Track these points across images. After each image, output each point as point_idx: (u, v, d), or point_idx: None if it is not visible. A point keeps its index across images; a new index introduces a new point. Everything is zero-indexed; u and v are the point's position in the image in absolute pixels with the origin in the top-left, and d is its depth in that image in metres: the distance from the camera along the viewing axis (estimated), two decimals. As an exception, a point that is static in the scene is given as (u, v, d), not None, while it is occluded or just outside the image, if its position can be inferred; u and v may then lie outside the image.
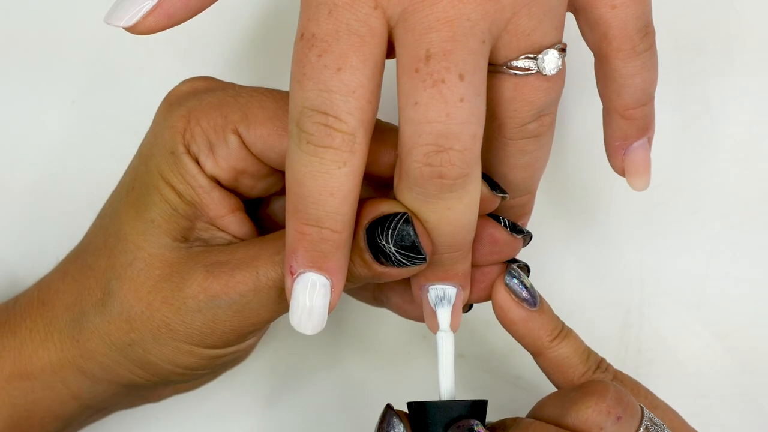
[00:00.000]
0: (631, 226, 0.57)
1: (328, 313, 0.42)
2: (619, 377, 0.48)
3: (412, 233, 0.41)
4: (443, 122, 0.39)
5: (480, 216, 0.43)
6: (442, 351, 0.45)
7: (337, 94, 0.40)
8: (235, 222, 0.46)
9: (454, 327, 0.45)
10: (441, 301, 0.45)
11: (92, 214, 0.50)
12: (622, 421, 0.43)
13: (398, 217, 0.42)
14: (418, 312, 0.47)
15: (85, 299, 0.47)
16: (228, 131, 0.45)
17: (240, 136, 0.45)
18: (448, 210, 0.41)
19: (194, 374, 0.47)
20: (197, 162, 0.45)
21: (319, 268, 0.41)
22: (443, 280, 0.44)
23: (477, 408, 0.44)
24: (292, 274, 0.41)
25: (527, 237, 0.46)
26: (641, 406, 0.45)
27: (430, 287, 0.45)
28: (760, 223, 0.57)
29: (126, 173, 0.48)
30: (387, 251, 0.42)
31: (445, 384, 0.45)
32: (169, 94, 0.47)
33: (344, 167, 0.40)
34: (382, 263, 0.42)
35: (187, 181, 0.45)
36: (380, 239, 0.42)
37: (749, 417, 0.56)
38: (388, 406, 0.45)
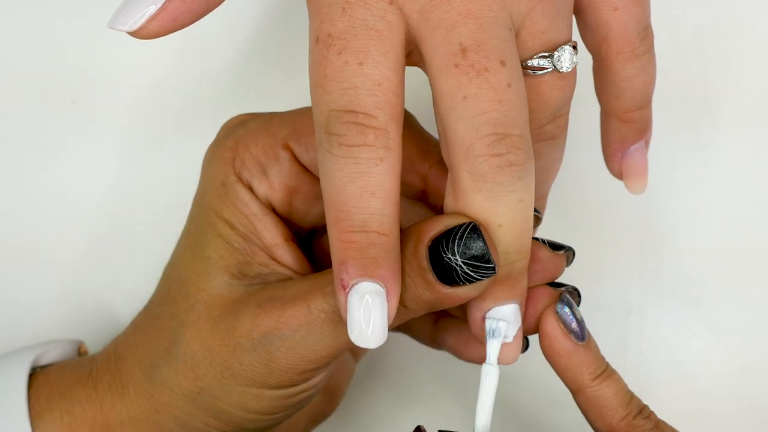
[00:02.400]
0: (631, 226, 0.57)
1: (389, 323, 0.40)
2: (661, 426, 0.46)
3: (481, 242, 0.39)
4: (497, 110, 0.38)
5: None
6: (485, 384, 0.42)
7: (362, 90, 0.38)
8: (289, 252, 0.45)
9: (511, 357, 0.42)
10: (493, 332, 0.42)
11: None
12: None
13: (464, 227, 0.40)
14: (474, 354, 0.46)
15: (154, 351, 0.46)
16: (279, 148, 0.44)
17: (291, 151, 0.44)
18: (521, 202, 0.39)
19: (269, 419, 0.45)
20: (250, 188, 0.44)
21: (372, 276, 0.39)
22: (509, 297, 0.42)
23: None
24: (344, 288, 0.39)
25: (570, 253, 0.45)
26: None
27: (486, 317, 0.42)
28: (760, 223, 0.57)
29: (186, 221, 0.47)
30: (453, 264, 0.40)
31: (482, 420, 0.42)
32: (218, 132, 0.47)
33: (381, 164, 0.39)
34: (446, 283, 0.40)
35: (239, 210, 0.44)
36: (445, 253, 0.40)
37: (749, 417, 0.56)
38: (419, 428, 0.43)
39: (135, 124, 0.58)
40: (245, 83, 0.58)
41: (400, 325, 0.50)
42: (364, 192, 0.39)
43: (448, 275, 0.40)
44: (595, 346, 0.45)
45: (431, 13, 0.39)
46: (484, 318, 0.42)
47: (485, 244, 0.39)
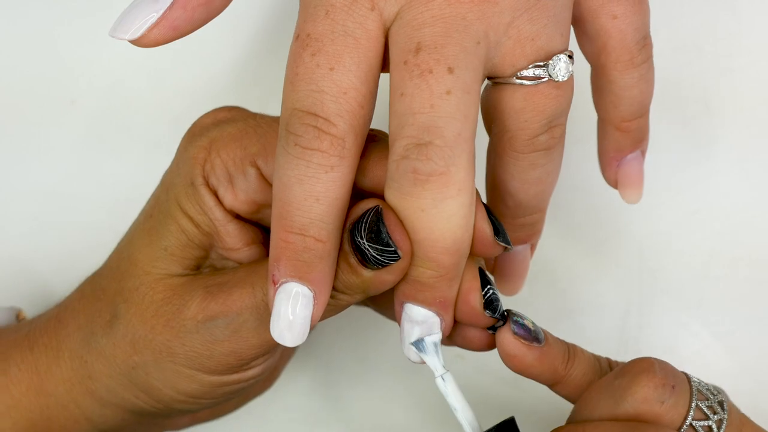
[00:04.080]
0: (631, 226, 0.57)
1: (311, 325, 0.41)
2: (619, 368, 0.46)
3: (381, 225, 0.40)
4: (427, 114, 0.39)
5: (470, 269, 0.42)
6: (447, 392, 0.43)
7: (328, 95, 0.39)
8: (250, 255, 0.45)
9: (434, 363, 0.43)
10: (424, 349, 0.43)
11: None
12: (677, 389, 0.42)
13: (370, 211, 0.41)
14: None
15: (95, 320, 0.46)
16: (247, 163, 0.44)
17: (258, 169, 0.44)
18: (422, 212, 0.40)
19: (197, 402, 0.46)
20: (216, 194, 0.45)
21: (302, 278, 0.40)
22: (418, 300, 0.42)
23: (508, 428, 0.43)
24: (274, 283, 0.41)
25: (499, 321, 0.44)
26: (682, 372, 0.44)
27: (411, 321, 0.43)
28: (759, 223, 0.57)
29: (148, 201, 0.48)
30: (363, 248, 0.41)
31: (467, 422, 0.43)
32: (193, 124, 0.47)
33: (331, 172, 0.40)
34: (366, 266, 0.41)
35: (205, 212, 0.45)
36: (357, 236, 0.41)
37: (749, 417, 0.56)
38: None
39: (134, 124, 0.59)
40: (245, 84, 0.58)
41: (368, 302, 0.50)
42: (308, 196, 0.40)
43: (364, 258, 0.41)
44: (552, 337, 0.45)
45: (406, 12, 0.39)
46: (401, 305, 0.43)
47: (384, 226, 0.40)
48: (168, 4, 0.42)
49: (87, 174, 0.58)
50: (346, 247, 0.41)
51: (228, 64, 0.58)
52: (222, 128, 0.45)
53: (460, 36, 0.39)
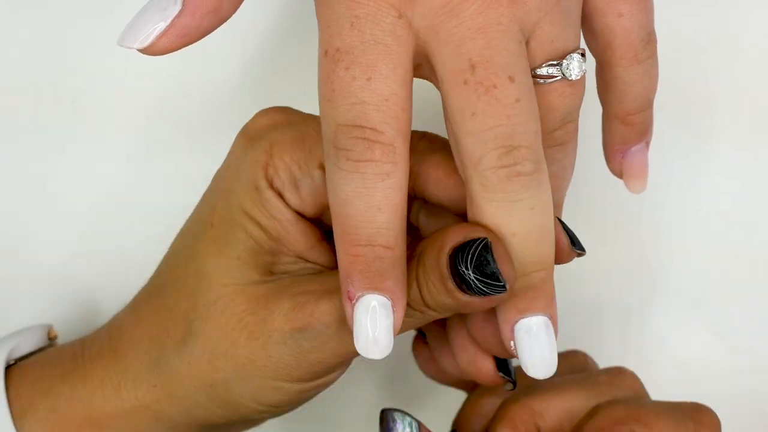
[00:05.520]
0: (631, 225, 0.57)
1: (394, 334, 0.40)
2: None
3: (490, 259, 0.40)
4: (506, 124, 0.39)
5: None
6: None
7: (370, 105, 0.39)
8: (321, 253, 0.45)
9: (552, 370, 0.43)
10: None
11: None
12: None
13: (478, 242, 0.40)
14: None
15: (164, 342, 0.46)
16: (314, 166, 0.44)
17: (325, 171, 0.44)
18: (532, 210, 0.40)
19: (277, 411, 0.46)
20: (281, 197, 0.44)
21: (377, 289, 0.40)
22: (531, 310, 0.42)
23: None
24: (350, 299, 0.40)
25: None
26: None
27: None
28: (759, 222, 0.57)
29: (200, 210, 0.47)
30: (467, 278, 0.40)
31: None
32: (247, 126, 0.46)
33: (388, 179, 0.39)
34: (464, 291, 0.41)
35: (273, 215, 0.44)
36: (460, 265, 0.40)
37: (749, 417, 0.56)
38: (383, 411, 0.44)
39: (135, 124, 0.58)
40: (246, 84, 0.58)
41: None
42: (370, 207, 0.39)
43: (465, 285, 0.40)
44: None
45: (440, 27, 0.39)
46: (511, 330, 0.42)
47: (494, 261, 0.40)
48: (176, 12, 0.41)
49: (86, 173, 0.58)
50: (444, 271, 0.41)
51: (232, 65, 0.58)
52: (283, 131, 0.45)
53: (503, 42, 0.39)
